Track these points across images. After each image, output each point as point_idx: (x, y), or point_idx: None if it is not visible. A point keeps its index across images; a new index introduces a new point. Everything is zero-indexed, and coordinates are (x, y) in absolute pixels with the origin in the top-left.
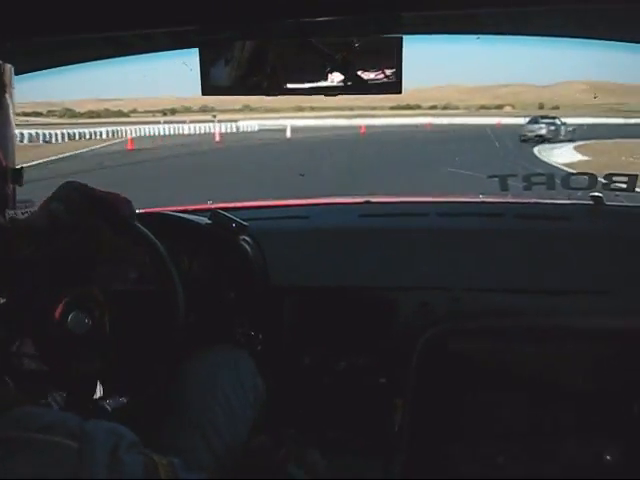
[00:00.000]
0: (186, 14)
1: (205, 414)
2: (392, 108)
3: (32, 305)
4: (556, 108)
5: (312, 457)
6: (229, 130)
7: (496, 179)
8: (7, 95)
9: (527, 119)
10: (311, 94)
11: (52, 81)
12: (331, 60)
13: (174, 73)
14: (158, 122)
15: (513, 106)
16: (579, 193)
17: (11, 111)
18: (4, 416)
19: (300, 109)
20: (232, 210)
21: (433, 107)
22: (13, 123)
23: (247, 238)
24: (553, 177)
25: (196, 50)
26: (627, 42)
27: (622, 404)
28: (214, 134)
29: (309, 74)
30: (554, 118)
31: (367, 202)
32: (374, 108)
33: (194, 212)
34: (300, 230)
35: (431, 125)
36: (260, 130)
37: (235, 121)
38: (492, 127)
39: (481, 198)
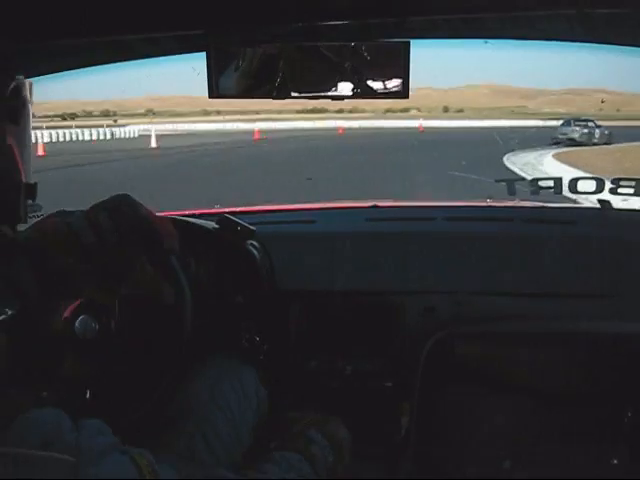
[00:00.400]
0: (194, 18)
1: (207, 420)
2: (298, 112)
3: (41, 308)
4: (460, 111)
5: (337, 430)
6: (101, 137)
7: (503, 183)
8: (27, 110)
9: (561, 121)
10: (318, 98)
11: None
12: (338, 64)
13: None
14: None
15: (419, 109)
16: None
17: (30, 126)
18: (7, 428)
19: (206, 113)
20: (239, 214)
21: (340, 111)
22: (31, 138)
23: (254, 242)
24: (561, 181)
25: (202, 54)
26: (524, 40)
27: (629, 407)
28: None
29: (316, 78)
30: (587, 121)
31: (374, 206)
32: (280, 112)
33: (202, 216)
34: (307, 234)
35: (344, 129)
36: (140, 136)
37: (121, 126)
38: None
39: (488, 202)
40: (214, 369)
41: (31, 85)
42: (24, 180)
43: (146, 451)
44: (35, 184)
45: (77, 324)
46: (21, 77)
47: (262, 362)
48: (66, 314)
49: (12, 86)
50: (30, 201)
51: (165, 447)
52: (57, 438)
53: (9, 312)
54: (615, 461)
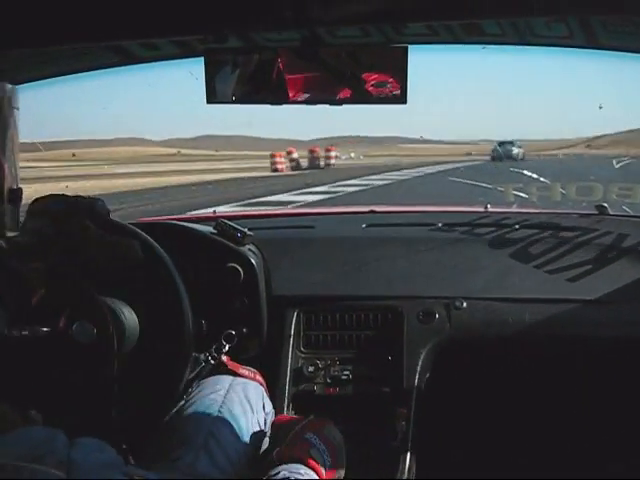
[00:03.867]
0: (192, 23)
1: (213, 435)
2: None
3: (34, 317)
4: None
5: (333, 434)
6: None
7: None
8: (11, 116)
9: None
10: (316, 104)
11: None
12: (337, 70)
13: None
14: None
15: None
16: (584, 203)
17: (17, 133)
18: None
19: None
20: (237, 219)
21: None
22: (16, 142)
23: (252, 247)
24: (558, 187)
25: (200, 60)
26: None
27: (626, 411)
28: None
29: (314, 84)
30: None
31: (372, 212)
32: None
33: (199, 221)
34: (305, 239)
35: None
36: None
37: None
38: None
39: (487, 208)
40: (221, 383)
41: (15, 90)
42: (10, 186)
43: (151, 473)
44: (19, 189)
45: (74, 332)
46: (4, 83)
47: (262, 364)
48: (60, 325)
49: None
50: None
51: (170, 462)
52: (49, 453)
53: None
54: (611, 465)
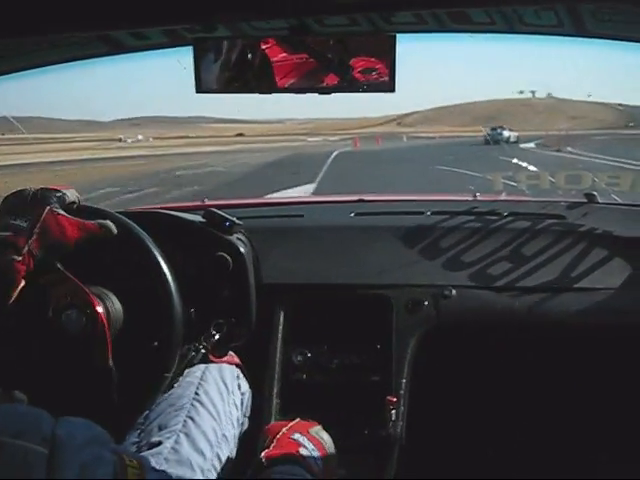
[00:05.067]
0: (180, 11)
1: (192, 418)
2: None
3: (23, 305)
4: None
5: (322, 435)
6: None
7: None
8: None
9: None
10: (304, 92)
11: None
12: (324, 58)
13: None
14: None
15: None
16: (573, 192)
17: None
18: None
19: None
20: (226, 208)
21: None
22: None
23: (241, 236)
24: (547, 175)
25: (189, 49)
26: None
27: (618, 401)
28: None
29: (302, 72)
30: None
31: (360, 200)
32: None
33: (188, 210)
34: (294, 228)
35: None
36: None
37: None
38: None
39: (475, 197)
40: (196, 367)
41: None
42: None
43: (144, 458)
44: None
45: (63, 320)
46: None
47: (249, 353)
48: (50, 313)
49: None
50: None
51: (151, 447)
52: (32, 429)
53: None
54: (602, 457)
